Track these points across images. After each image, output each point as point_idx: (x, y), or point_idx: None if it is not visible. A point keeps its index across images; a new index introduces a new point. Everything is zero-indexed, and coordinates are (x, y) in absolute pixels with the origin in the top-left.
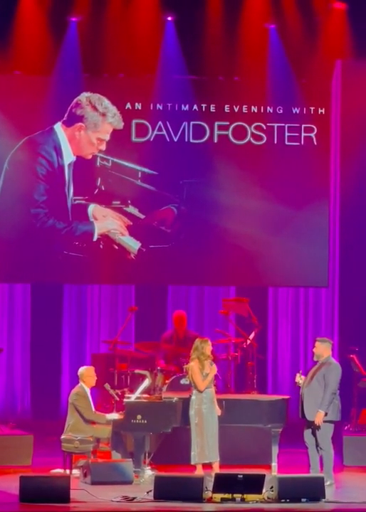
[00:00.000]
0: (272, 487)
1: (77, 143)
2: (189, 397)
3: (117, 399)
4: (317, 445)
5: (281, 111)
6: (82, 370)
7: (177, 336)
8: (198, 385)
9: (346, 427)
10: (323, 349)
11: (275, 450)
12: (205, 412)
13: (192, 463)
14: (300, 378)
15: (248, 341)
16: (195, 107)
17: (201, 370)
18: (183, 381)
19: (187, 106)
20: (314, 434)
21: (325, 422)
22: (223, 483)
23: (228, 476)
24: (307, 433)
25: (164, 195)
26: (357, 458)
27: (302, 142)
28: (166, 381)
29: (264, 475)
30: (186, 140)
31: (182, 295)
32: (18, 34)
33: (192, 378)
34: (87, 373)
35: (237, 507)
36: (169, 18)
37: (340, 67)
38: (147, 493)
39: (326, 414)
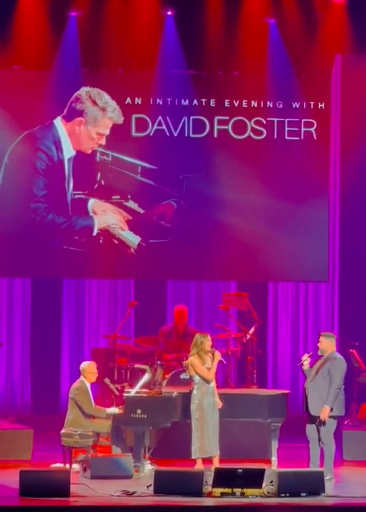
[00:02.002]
0: (272, 481)
1: (77, 137)
2: (189, 392)
3: (117, 393)
4: (319, 440)
5: (281, 106)
6: (84, 365)
7: (177, 330)
8: (205, 376)
9: (346, 422)
10: (328, 344)
11: (274, 444)
12: (206, 406)
13: (193, 457)
14: (306, 360)
15: (248, 336)
16: (195, 101)
17: (202, 364)
18: (183, 376)
19: (187, 101)
20: (317, 428)
21: (329, 417)
22: (223, 478)
23: (227, 470)
24: (310, 427)
25: (164, 189)
26: (357, 452)
27: (302, 137)
28: (166, 376)
29: (264, 469)
30: (186, 135)
31: (182, 290)
32: (18, 29)
33: (196, 372)
34: (89, 369)
35: (237, 501)
36: (169, 13)
37: (339, 62)
38: (147, 487)
39: (331, 410)
